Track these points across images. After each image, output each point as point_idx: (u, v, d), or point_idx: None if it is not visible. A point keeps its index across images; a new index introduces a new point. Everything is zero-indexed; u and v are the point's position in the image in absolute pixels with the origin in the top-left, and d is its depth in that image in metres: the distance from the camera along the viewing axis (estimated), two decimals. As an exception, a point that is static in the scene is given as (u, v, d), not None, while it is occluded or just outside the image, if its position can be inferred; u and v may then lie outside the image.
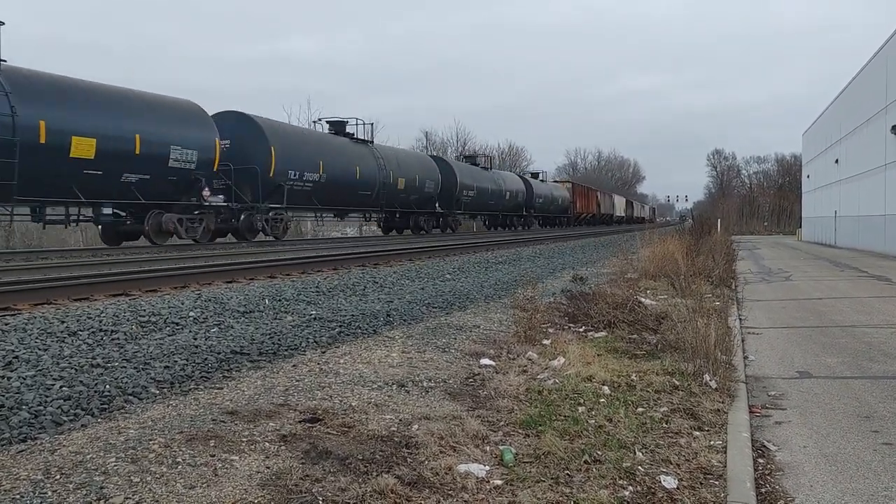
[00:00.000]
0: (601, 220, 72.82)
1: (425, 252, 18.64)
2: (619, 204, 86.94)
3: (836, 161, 36.59)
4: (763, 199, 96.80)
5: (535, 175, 56.80)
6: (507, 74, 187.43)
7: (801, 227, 52.93)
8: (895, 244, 24.50)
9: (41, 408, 4.39)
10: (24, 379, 4.86)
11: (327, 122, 29.37)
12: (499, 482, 3.67)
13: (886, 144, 26.00)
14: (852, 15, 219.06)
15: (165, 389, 5.01)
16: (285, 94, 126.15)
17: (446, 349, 6.63)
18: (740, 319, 9.71)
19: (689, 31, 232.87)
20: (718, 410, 5.08)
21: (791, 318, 10.15)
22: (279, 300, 8.99)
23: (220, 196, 22.06)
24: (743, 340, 8.08)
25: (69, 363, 5.39)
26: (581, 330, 8.22)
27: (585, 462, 3.92)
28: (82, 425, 4.16)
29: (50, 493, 3.10)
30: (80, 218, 18.92)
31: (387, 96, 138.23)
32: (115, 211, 18.57)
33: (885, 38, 26.59)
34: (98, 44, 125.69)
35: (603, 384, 5.55)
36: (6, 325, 6.47)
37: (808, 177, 49.62)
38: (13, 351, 5.61)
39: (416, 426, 4.34)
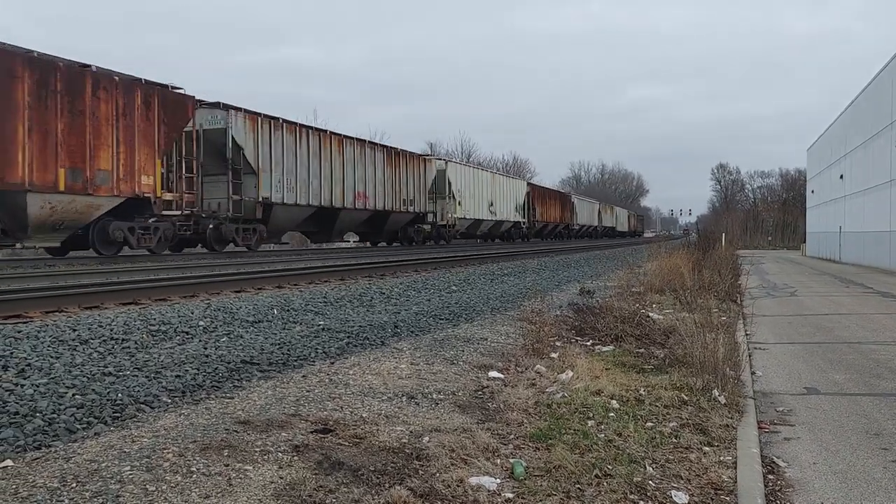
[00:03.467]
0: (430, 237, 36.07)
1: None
2: (503, 200, 44.76)
3: (841, 176, 36.60)
4: (767, 213, 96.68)
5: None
6: (514, 86, 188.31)
7: (805, 242, 52.86)
8: (900, 260, 24.46)
9: (55, 415, 4.42)
10: (38, 387, 4.89)
11: None
12: (510, 495, 3.68)
13: (892, 160, 26.02)
14: (862, 28, 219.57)
15: (177, 398, 5.03)
16: (290, 101, 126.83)
17: (454, 361, 6.65)
18: (747, 335, 9.71)
19: (698, 43, 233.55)
20: (727, 426, 5.09)
21: (797, 334, 10.15)
22: (287, 310, 9.02)
23: None
24: (750, 356, 8.08)
25: (81, 371, 5.41)
26: (588, 343, 8.24)
27: (596, 476, 3.93)
28: (95, 433, 4.18)
29: (67, 501, 3.12)
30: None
31: (392, 106, 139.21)
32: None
33: (893, 52, 26.65)
34: (102, 50, 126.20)
35: (612, 398, 5.57)
36: (19, 332, 6.51)
37: (812, 192, 49.62)
38: (26, 359, 5.64)
39: (426, 438, 4.36)
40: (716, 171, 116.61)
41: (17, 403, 4.53)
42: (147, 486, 3.32)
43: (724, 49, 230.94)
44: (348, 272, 14.69)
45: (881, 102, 28.30)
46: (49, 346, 6.11)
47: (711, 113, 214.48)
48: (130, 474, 3.44)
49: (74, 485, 3.31)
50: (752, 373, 7.23)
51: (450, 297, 11.91)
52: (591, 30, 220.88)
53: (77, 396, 4.79)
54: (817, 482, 4.24)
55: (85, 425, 4.36)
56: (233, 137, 22.08)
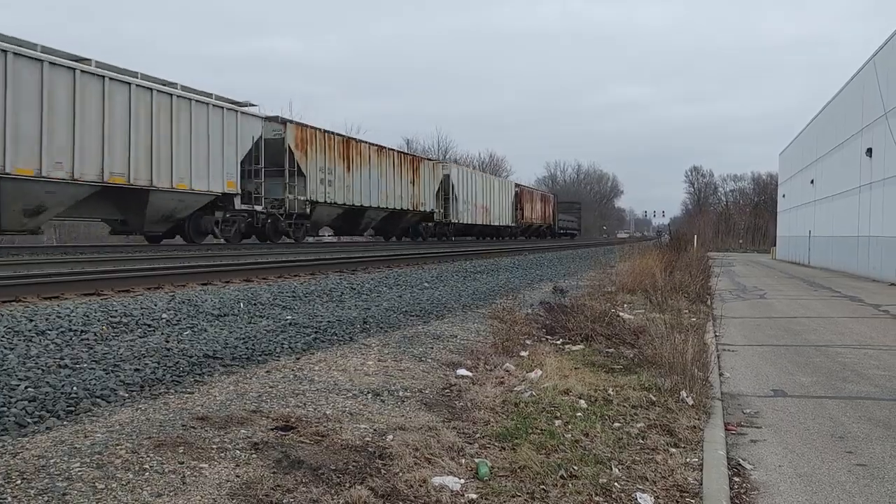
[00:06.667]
0: None
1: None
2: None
3: (812, 181, 37.12)
4: (739, 216, 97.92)
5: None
6: (492, 82, 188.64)
7: (775, 245, 53.57)
8: (868, 265, 24.85)
9: (4, 409, 4.25)
10: (-12, 379, 4.72)
11: None
12: (473, 496, 3.61)
13: (861, 167, 26.42)
14: (840, 32, 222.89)
15: (135, 393, 4.88)
16: (267, 93, 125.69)
17: (423, 358, 6.57)
18: (716, 336, 9.76)
19: (677, 43, 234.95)
20: (695, 427, 5.06)
21: (766, 336, 10.21)
22: (255, 304, 8.87)
23: None
24: (719, 357, 8.11)
25: (36, 363, 5.24)
26: (558, 342, 8.20)
27: (561, 477, 3.87)
28: (47, 428, 4.03)
29: (10, 499, 2.99)
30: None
31: (370, 100, 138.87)
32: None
33: (868, 57, 27.01)
34: (77, 40, 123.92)
35: (580, 398, 5.52)
36: (-28, 322, 6.31)
37: (783, 196, 50.29)
38: (-22, 349, 5.46)
39: (390, 437, 4.27)
40: (689, 173, 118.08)
41: (-36, 396, 4.36)
42: (96, 484, 3.20)
43: (703, 50, 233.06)
44: (320, 267, 14.56)
45: (852, 109, 28.71)
46: (3, 337, 5.91)
47: (689, 114, 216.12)
48: (80, 471, 3.31)
49: (20, 482, 3.17)
50: (721, 374, 7.24)
51: (421, 294, 11.82)
52: (571, 26, 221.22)
53: (30, 389, 4.63)
54: (782, 485, 4.23)
55: (36, 419, 4.21)
56: None
